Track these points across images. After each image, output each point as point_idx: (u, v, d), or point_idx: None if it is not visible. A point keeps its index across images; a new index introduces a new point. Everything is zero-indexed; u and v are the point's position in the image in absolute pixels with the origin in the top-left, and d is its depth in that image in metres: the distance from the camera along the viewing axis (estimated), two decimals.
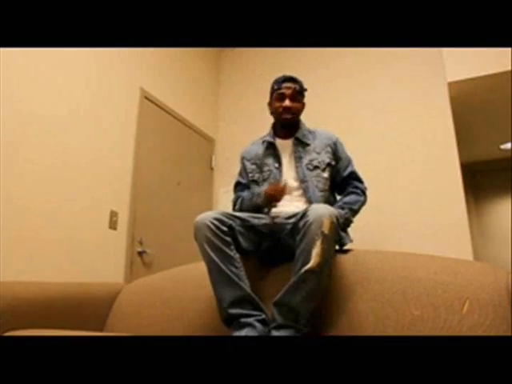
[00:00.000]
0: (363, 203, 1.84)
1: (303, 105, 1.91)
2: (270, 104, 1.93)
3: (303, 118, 1.96)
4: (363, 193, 1.87)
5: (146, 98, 3.15)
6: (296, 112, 1.85)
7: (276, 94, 1.85)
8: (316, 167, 1.79)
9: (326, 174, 1.79)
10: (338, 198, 1.89)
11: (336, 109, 3.55)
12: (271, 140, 1.88)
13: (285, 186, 1.70)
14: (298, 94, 1.85)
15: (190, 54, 3.78)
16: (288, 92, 1.82)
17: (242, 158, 1.97)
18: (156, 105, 3.26)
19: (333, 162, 1.83)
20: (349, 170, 1.88)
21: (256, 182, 1.86)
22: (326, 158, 1.81)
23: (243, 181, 1.95)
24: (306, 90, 1.89)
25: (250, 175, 1.89)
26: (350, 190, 1.85)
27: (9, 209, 2.09)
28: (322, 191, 1.76)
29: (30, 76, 2.29)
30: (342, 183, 1.88)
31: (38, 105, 2.31)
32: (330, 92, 3.63)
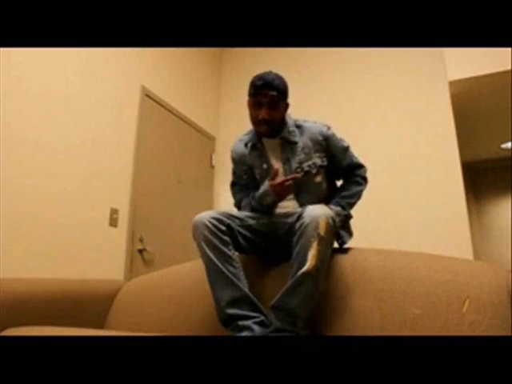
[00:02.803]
0: (363, 190, 1.76)
1: (286, 106, 1.68)
2: (248, 103, 1.67)
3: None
4: (363, 178, 1.76)
5: (147, 95, 3.15)
6: (274, 122, 1.62)
7: (252, 99, 1.62)
8: (307, 172, 1.64)
9: (319, 178, 1.68)
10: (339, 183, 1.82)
11: (337, 109, 3.55)
12: (254, 142, 1.71)
13: (289, 181, 1.55)
14: (278, 100, 1.61)
15: (191, 52, 3.77)
16: (265, 100, 1.58)
17: (232, 158, 1.83)
18: (157, 102, 3.26)
19: (325, 163, 1.68)
20: (347, 161, 1.74)
21: (247, 188, 1.79)
22: (317, 159, 1.66)
23: (239, 181, 1.84)
24: (286, 92, 1.65)
25: (244, 178, 1.79)
26: (350, 179, 1.75)
27: (9, 206, 2.09)
28: (315, 197, 1.66)
29: (30, 75, 2.29)
30: (342, 173, 1.78)
31: (37, 103, 2.31)
32: (330, 92, 3.63)
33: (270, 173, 1.65)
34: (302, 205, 1.62)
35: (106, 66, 2.80)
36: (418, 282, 1.38)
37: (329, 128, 1.71)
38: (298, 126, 1.71)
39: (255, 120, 1.63)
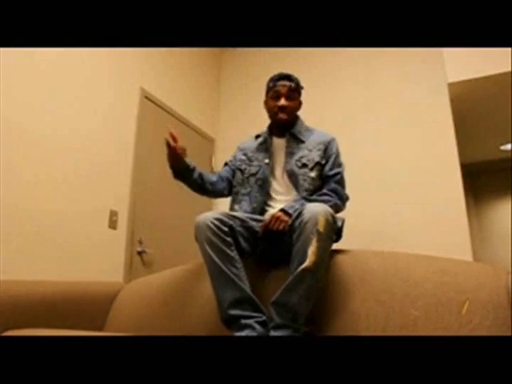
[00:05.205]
0: (336, 205, 1.67)
1: (300, 103, 1.87)
2: (265, 102, 1.89)
3: (302, 116, 1.93)
4: (339, 197, 1.71)
5: (146, 97, 3.15)
6: (292, 111, 1.81)
7: (271, 93, 1.82)
8: (304, 165, 1.73)
9: (313, 174, 1.73)
10: None
11: (336, 109, 3.55)
12: (266, 136, 1.86)
13: (182, 148, 1.86)
14: (294, 91, 1.81)
15: (190, 53, 3.77)
16: (283, 90, 1.79)
17: (238, 147, 1.99)
18: (156, 104, 3.26)
19: (323, 161, 1.75)
20: (335, 170, 1.75)
21: (242, 172, 1.85)
22: (316, 156, 1.75)
23: (230, 163, 1.95)
24: (302, 87, 1.86)
25: (238, 163, 1.89)
26: (324, 191, 1.70)
27: (9, 208, 2.09)
28: (306, 190, 1.70)
29: (30, 75, 2.29)
30: (324, 182, 1.75)
31: (37, 104, 2.31)
32: (330, 92, 3.63)
33: (270, 168, 1.79)
34: (298, 194, 1.70)
35: (105, 68, 2.80)
36: (418, 283, 1.38)
37: (335, 139, 1.83)
38: (309, 129, 1.86)
39: (274, 109, 1.81)
